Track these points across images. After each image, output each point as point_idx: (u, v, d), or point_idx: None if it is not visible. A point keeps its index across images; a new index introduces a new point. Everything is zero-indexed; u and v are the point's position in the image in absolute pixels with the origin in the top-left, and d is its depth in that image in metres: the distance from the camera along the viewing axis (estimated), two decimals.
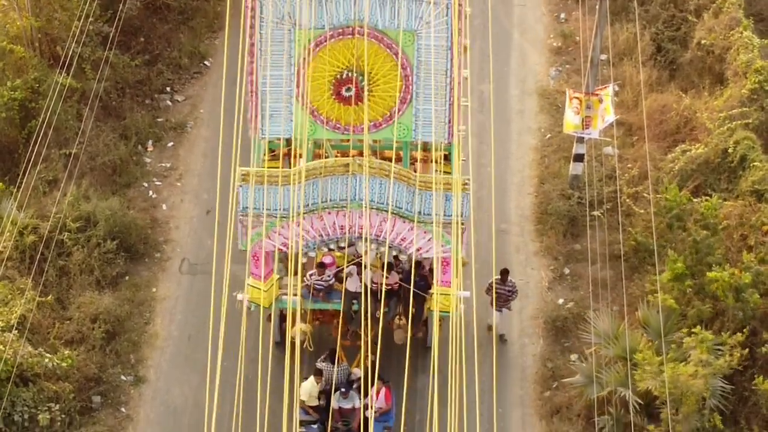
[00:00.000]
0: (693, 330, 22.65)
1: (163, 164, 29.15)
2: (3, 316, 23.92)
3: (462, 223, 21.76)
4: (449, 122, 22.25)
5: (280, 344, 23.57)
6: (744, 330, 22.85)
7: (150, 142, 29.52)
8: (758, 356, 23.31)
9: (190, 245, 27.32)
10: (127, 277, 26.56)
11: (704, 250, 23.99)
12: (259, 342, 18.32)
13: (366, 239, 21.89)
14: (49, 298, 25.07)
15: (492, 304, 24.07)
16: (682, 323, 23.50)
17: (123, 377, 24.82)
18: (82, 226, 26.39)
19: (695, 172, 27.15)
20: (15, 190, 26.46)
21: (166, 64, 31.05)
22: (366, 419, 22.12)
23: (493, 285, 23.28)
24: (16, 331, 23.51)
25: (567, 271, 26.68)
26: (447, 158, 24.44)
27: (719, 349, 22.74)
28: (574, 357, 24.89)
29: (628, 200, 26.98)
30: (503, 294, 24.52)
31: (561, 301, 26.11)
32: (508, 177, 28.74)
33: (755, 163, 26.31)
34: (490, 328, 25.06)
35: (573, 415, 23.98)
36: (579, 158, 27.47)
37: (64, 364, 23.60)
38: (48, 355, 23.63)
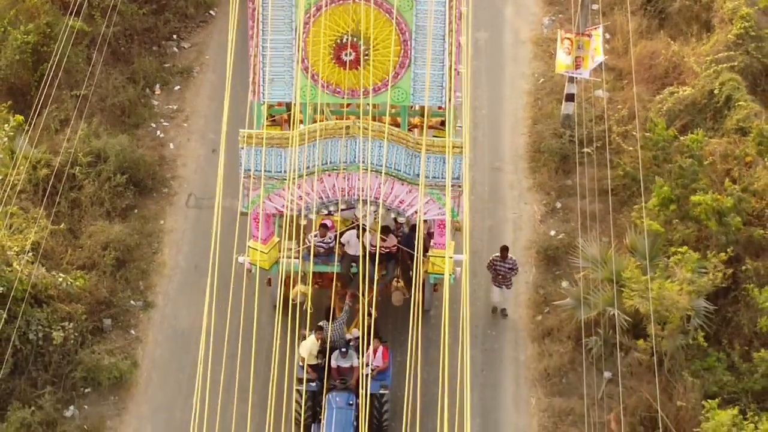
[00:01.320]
0: (678, 249, 23.69)
1: (170, 106, 30.25)
2: (17, 242, 24.94)
3: (459, 186, 22.20)
4: (452, 88, 22.60)
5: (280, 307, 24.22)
6: (727, 251, 23.90)
7: (157, 85, 30.63)
8: (740, 280, 24.35)
9: (196, 181, 28.38)
10: (136, 210, 27.63)
11: (690, 176, 25.02)
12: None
13: (365, 201, 22.33)
14: (61, 226, 26.12)
15: (493, 281, 25.09)
16: (668, 249, 24.53)
17: (132, 302, 25.89)
18: (93, 161, 27.48)
19: (682, 112, 28.17)
20: (28, 128, 27.45)
21: (172, 13, 32.14)
22: (363, 377, 22.16)
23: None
24: (31, 255, 24.58)
25: (559, 205, 27.74)
26: (444, 124, 24.58)
27: (703, 270, 23.76)
28: (565, 284, 25.89)
29: (617, 138, 28.01)
30: (503, 271, 24.95)
31: (553, 232, 27.16)
32: (502, 119, 29.82)
33: (740, 103, 27.34)
34: (494, 310, 25.61)
35: (563, 337, 25.01)
36: (570, 98, 28.54)
37: (77, 284, 24.68)
38: (61, 275, 24.72)
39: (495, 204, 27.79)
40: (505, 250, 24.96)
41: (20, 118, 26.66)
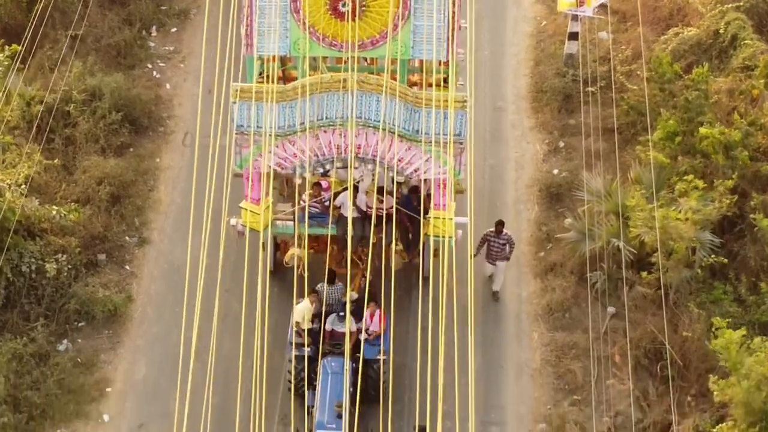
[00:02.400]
0: (684, 178, 23.26)
1: (167, 48, 29.88)
2: (10, 176, 24.44)
3: (460, 143, 21.25)
4: (447, 40, 21.50)
5: (274, 273, 23.56)
6: (733, 178, 23.47)
7: (154, 27, 30.25)
8: (747, 214, 23.90)
9: (192, 120, 27.82)
10: (131, 149, 27.20)
11: (696, 109, 24.58)
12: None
13: (362, 159, 21.47)
14: (55, 161, 25.68)
15: (487, 257, 23.86)
16: (673, 182, 24.05)
17: (127, 238, 25.44)
18: (88, 99, 27.04)
19: (687, 53, 27.75)
20: (22, 66, 26.92)
21: None
22: (359, 342, 21.56)
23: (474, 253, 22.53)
24: (24, 187, 24.10)
25: (562, 144, 27.32)
26: (445, 81, 23.05)
27: (709, 202, 23.33)
28: (568, 221, 25.36)
29: (621, 78, 27.56)
30: (497, 247, 23.79)
31: (556, 171, 26.72)
32: (504, 61, 29.43)
33: (746, 41, 26.92)
34: (491, 277, 24.45)
35: (566, 272, 24.56)
36: (574, 37, 28.13)
37: (71, 216, 24.22)
38: (55, 207, 24.28)
39: (497, 144, 27.40)
40: (500, 224, 23.70)
41: (16, 47, 25.96)
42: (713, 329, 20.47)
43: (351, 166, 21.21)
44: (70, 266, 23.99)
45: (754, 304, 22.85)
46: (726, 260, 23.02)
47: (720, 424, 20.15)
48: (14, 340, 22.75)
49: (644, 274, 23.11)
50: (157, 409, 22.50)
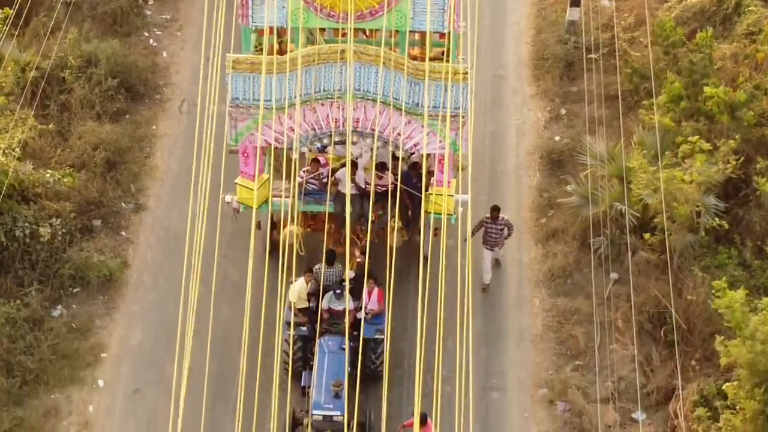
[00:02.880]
0: (689, 139, 22.90)
1: (164, 16, 29.56)
2: (3, 141, 24.06)
3: (462, 117, 20.62)
4: (449, 10, 20.80)
5: (271, 252, 22.51)
6: (737, 139, 23.12)
7: None
8: (751, 177, 23.53)
9: (189, 88, 27.49)
10: (127, 116, 26.85)
11: (700, 71, 24.22)
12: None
13: (361, 133, 20.92)
14: (50, 126, 25.31)
15: (484, 243, 23.17)
16: (677, 145, 23.70)
17: (123, 204, 25.09)
18: (83, 65, 26.67)
19: (690, 19, 27.37)
20: (15, 32, 26.49)
21: None
22: (357, 321, 21.05)
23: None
24: (18, 150, 23.74)
25: (563, 111, 26.96)
26: (446, 55, 22.54)
27: (714, 165, 22.97)
28: (570, 187, 24.95)
29: (624, 44, 27.19)
30: (493, 233, 23.12)
31: (557, 137, 26.36)
32: (505, 29, 29.12)
33: (750, 8, 26.55)
34: (484, 289, 23.69)
35: (568, 238, 24.22)
36: (576, 3, 27.80)
37: (65, 180, 23.87)
38: (49, 171, 23.91)
39: (497, 110, 27.06)
40: (496, 210, 22.97)
41: (8, 10, 25.48)
42: (714, 291, 20.05)
43: (348, 140, 20.55)
44: (64, 231, 23.65)
45: (759, 268, 22.49)
46: (727, 225, 22.59)
47: (727, 383, 19.83)
48: (7, 305, 22.41)
49: (647, 235, 22.75)
50: (152, 375, 22.14)
